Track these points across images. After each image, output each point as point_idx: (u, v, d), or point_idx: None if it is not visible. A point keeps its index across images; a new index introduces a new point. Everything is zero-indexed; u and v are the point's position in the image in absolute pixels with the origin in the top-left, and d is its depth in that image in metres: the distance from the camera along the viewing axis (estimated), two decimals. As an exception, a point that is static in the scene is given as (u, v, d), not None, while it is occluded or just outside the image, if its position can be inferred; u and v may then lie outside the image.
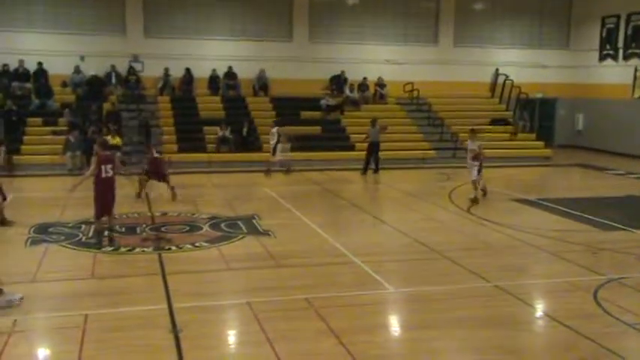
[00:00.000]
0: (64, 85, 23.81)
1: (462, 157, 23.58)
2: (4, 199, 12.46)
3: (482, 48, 28.57)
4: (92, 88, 23.40)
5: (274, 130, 20.21)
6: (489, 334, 7.26)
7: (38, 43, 23.54)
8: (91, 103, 22.58)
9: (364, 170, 20.24)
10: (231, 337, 7.43)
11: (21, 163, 19.76)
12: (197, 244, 10.99)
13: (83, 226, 12.11)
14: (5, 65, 23.02)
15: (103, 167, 10.73)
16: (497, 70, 28.36)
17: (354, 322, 7.49)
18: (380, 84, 26.80)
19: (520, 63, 28.53)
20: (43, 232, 11.67)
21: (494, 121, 26.54)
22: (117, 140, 20.62)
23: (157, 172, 15.30)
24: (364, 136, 20.69)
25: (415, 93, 26.65)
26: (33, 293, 8.49)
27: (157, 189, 15.60)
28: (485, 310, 8.05)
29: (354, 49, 27.06)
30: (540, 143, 26.01)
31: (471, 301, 8.37)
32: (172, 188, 15.05)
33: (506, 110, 27.47)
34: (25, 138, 21.15)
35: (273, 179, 19.17)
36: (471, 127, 16.58)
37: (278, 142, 19.96)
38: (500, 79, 28.03)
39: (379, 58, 27.21)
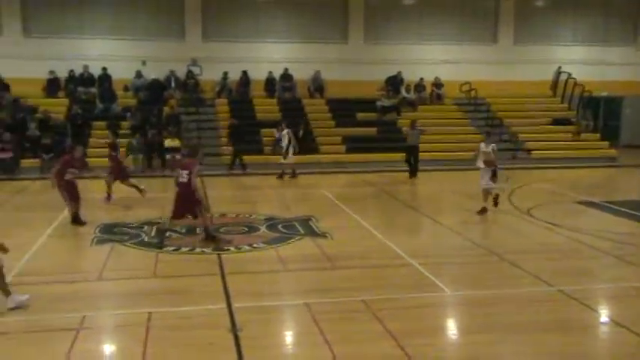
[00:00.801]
0: (126, 89, 24.53)
1: (523, 159, 23.25)
2: (78, 198, 12.88)
3: (544, 46, 27.94)
4: (153, 92, 24.04)
5: (285, 131, 19.79)
6: (552, 340, 7.09)
7: (102, 49, 24.35)
8: (152, 107, 23.19)
9: (411, 173, 19.67)
10: (290, 337, 7.49)
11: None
12: (255, 245, 11.14)
13: (146, 227, 12.44)
14: (71, 71, 23.89)
15: (179, 172, 11.06)
16: (559, 68, 27.65)
17: (411, 325, 7.44)
18: (437, 84, 26.53)
19: (583, 60, 27.74)
20: (108, 232, 12.04)
21: (557, 121, 25.89)
22: (176, 142, 21.14)
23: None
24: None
25: (473, 93, 26.27)
26: (99, 291, 8.81)
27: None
28: (547, 315, 7.86)
29: (411, 49, 26.91)
30: (605, 143, 25.22)
31: (533, 306, 8.19)
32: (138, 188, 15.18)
33: (569, 110, 26.76)
34: (90, 141, 21.86)
35: (329, 180, 19.24)
36: (486, 130, 15.64)
37: (289, 143, 19.55)
38: (563, 78, 27.31)
39: (436, 58, 26.97)
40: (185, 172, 10.94)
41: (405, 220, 14.08)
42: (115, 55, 24.37)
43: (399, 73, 26.45)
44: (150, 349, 6.70)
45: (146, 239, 11.52)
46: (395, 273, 9.66)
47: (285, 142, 19.50)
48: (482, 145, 14.02)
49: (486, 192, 13.75)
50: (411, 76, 26.38)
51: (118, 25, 24.72)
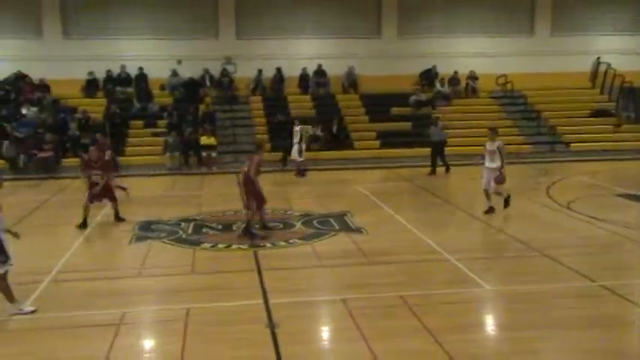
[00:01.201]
0: (163, 88, 24.84)
1: (562, 152, 22.82)
2: (115, 199, 13.09)
3: (582, 36, 27.34)
4: (188, 91, 24.29)
5: (297, 128, 19.63)
6: (594, 336, 6.95)
7: (139, 49, 24.69)
8: (188, 105, 23.45)
9: (432, 171, 19.19)
10: (327, 333, 7.50)
11: (125, 164, 20.76)
12: (291, 241, 11.18)
13: (182, 224, 12.59)
14: (109, 71, 24.31)
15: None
16: (598, 58, 27.04)
17: (449, 321, 7.38)
18: (472, 77, 26.21)
19: (623, 50, 27.04)
20: (146, 229, 12.22)
21: (596, 113, 25.33)
22: (212, 140, 21.33)
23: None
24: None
25: (509, 86, 25.89)
26: (139, 287, 8.95)
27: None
28: (588, 311, 7.71)
29: (445, 42, 26.64)
30: (646, 135, 24.60)
31: (573, 301, 8.05)
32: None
33: (609, 101, 26.16)
34: (128, 140, 22.23)
35: (364, 175, 19.20)
36: (490, 126, 14.37)
37: (301, 140, 19.39)
38: (602, 68, 26.70)
39: (471, 51, 26.63)
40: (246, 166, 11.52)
41: (441, 214, 13.95)
42: (150, 54, 24.70)
43: (434, 66, 26.22)
44: (188, 345, 6.78)
45: (183, 236, 11.66)
46: (431, 268, 9.59)
47: (296, 140, 19.40)
48: (488, 144, 13.00)
49: (488, 192, 13.04)
50: (445, 69, 26.12)
51: (154, 25, 25.04)
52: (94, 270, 9.74)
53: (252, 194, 11.50)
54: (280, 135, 21.65)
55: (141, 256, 10.41)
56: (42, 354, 6.65)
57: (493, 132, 13.25)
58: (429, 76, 26.18)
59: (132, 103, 23.89)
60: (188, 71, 24.80)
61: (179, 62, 24.82)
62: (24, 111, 22.20)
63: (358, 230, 11.90)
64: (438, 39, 26.62)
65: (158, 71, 24.48)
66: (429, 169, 19.18)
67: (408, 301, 7.94)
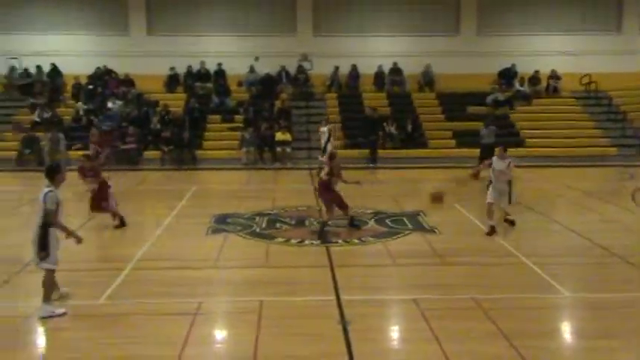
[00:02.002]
0: (240, 84, 25.32)
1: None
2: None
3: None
4: (265, 87, 24.67)
5: (324, 128, 19.40)
6: (680, 350, 6.62)
7: (218, 45, 25.28)
8: (264, 101, 23.81)
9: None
10: (399, 332, 7.47)
11: (203, 158, 21.33)
12: (363, 239, 11.18)
13: (257, 218, 12.81)
14: (189, 67, 24.99)
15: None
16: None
17: (525, 326, 7.19)
18: (553, 76, 25.39)
19: None
20: (222, 222, 12.50)
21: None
22: (287, 136, 21.59)
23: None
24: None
25: (593, 85, 24.91)
26: (214, 278, 9.18)
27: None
28: (675, 323, 7.34)
29: (525, 40, 25.93)
30: None
31: (658, 312, 7.68)
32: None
33: (701, 102, 24.76)
34: (206, 134, 22.80)
35: (438, 175, 18.94)
36: (502, 144, 12.29)
37: (328, 141, 19.17)
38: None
39: (552, 49, 25.79)
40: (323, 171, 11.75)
41: (518, 217, 13.52)
42: (229, 51, 25.24)
43: (513, 65, 25.57)
44: (262, 337, 6.91)
45: (257, 230, 11.86)
46: (507, 271, 9.37)
47: (324, 139, 19.23)
48: (495, 159, 11.54)
49: (491, 207, 11.47)
50: (525, 68, 25.42)
51: (234, 22, 25.56)
52: (172, 260, 10.04)
53: (333, 201, 11.55)
54: (366, 131, 21.64)
55: (217, 248, 10.66)
56: (123, 338, 6.92)
57: (504, 149, 11.68)
58: (508, 75, 25.55)
59: (210, 98, 24.48)
60: (265, 68, 25.19)
61: (256, 59, 25.23)
62: (109, 105, 23.15)
63: (432, 230, 11.77)
64: (518, 36, 25.94)
65: (236, 67, 24.97)
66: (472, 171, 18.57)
67: (483, 304, 7.80)
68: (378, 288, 8.73)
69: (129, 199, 15.41)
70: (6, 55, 24.26)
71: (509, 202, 11.69)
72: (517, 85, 25.27)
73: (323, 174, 11.74)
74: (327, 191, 11.62)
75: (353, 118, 23.67)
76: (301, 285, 8.75)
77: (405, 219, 12.70)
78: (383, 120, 22.61)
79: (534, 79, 25.48)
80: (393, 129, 22.37)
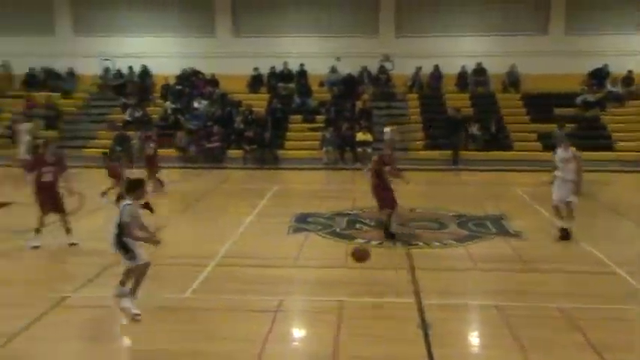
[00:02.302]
0: (321, 84, 25.50)
1: None
2: None
3: None
4: (346, 87, 24.73)
5: (387, 129, 19.26)
6: None
7: (301, 46, 25.55)
8: (345, 101, 23.88)
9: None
10: (480, 339, 7.31)
11: (284, 158, 21.63)
12: (445, 242, 11.01)
13: (337, 218, 12.86)
14: (272, 67, 25.40)
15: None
16: None
17: (618, 338, 6.87)
18: (648, 77, 24.13)
19: None
20: (302, 221, 12.63)
21: None
22: (368, 136, 21.55)
23: None
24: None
25: (692, 86, 23.50)
26: (295, 277, 9.29)
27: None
28: None
29: (618, 39, 24.73)
30: None
31: None
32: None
33: None
34: (288, 134, 23.10)
35: (523, 178, 18.40)
36: (559, 123, 10.83)
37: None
38: None
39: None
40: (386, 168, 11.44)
41: (608, 224, 13.01)
42: (312, 51, 25.46)
43: (605, 65, 24.47)
44: (341, 337, 6.93)
45: (337, 230, 11.90)
46: (597, 281, 8.98)
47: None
48: (560, 151, 11.05)
49: (557, 208, 11.03)
50: (617, 68, 24.27)
51: (316, 23, 25.76)
52: (254, 257, 10.23)
53: (379, 195, 11.32)
54: (449, 132, 21.35)
55: (297, 246, 10.79)
56: (207, 332, 7.12)
57: (560, 128, 10.79)
58: (599, 76, 24.49)
59: (292, 98, 24.79)
60: (346, 68, 25.25)
61: (338, 59, 25.32)
62: (196, 104, 23.87)
63: (516, 235, 11.45)
64: (612, 35, 24.79)
65: (318, 68, 25.16)
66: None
67: (570, 313, 7.51)
68: (459, 292, 8.58)
69: (213, 197, 15.85)
70: (101, 57, 25.44)
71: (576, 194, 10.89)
72: (609, 86, 24.18)
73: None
74: (373, 185, 11.35)
75: (434, 118, 23.36)
76: (381, 286, 8.71)
77: (488, 222, 12.41)
78: (466, 121, 22.20)
79: (627, 79, 24.31)
80: (475, 130, 21.92)
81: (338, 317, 7.46)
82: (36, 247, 10.41)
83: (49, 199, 10.55)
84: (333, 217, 12.92)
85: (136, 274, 7.65)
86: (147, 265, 7.63)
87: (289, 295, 8.35)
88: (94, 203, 13.56)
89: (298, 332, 7.44)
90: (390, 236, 11.15)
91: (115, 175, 14.35)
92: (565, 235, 10.98)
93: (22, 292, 8.38)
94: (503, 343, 6.81)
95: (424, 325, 7.20)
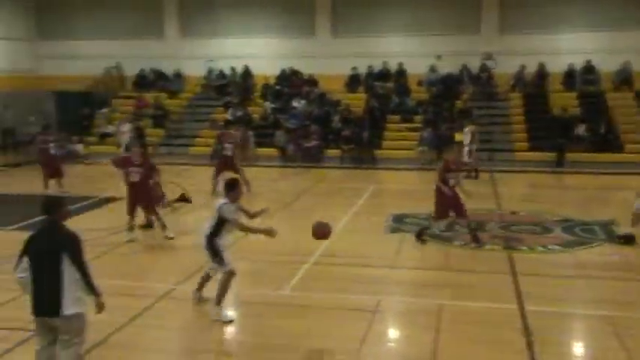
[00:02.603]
0: (420, 83, 25.20)
1: None
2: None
3: None
4: (446, 87, 24.31)
5: (467, 129, 18.34)
6: None
7: (400, 45, 25.36)
8: (444, 101, 23.48)
9: None
10: (587, 349, 6.98)
11: (381, 157, 21.56)
12: (549, 247, 10.59)
13: (435, 219, 12.65)
14: (370, 67, 25.37)
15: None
16: None
17: None
18: None
19: None
20: (399, 222, 12.55)
21: None
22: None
23: None
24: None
25: None
26: (392, 277, 9.25)
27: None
28: None
29: None
30: None
31: None
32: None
33: None
34: (385, 134, 23.02)
35: (636, 182, 17.38)
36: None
37: (471, 142, 18.11)
38: None
39: None
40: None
41: None
42: (410, 51, 25.19)
43: None
44: (441, 340, 6.83)
45: (436, 232, 11.73)
46: None
47: (467, 140, 18.29)
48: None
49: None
50: None
51: (416, 22, 25.46)
52: (351, 256, 10.28)
53: (441, 200, 10.89)
54: (554, 133, 20.56)
55: (394, 247, 10.73)
56: (306, 329, 7.22)
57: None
58: None
59: (390, 98, 24.65)
60: (446, 67, 24.81)
61: (438, 58, 24.92)
62: (294, 104, 24.26)
63: (626, 241, 10.82)
64: None
65: (416, 67, 24.85)
66: None
67: (689, 327, 7.03)
68: (565, 300, 8.23)
69: (310, 196, 16.05)
70: (205, 59, 26.38)
71: None
72: None
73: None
74: (437, 189, 10.92)
75: (538, 118, 22.50)
76: (481, 291, 8.51)
77: (596, 228, 11.82)
78: (572, 121, 21.24)
79: None
80: (583, 131, 20.92)
81: (437, 320, 7.36)
82: (131, 241, 10.90)
83: (136, 198, 11.00)
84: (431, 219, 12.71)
85: (221, 282, 7.43)
86: (233, 274, 7.43)
87: (387, 296, 8.33)
88: (200, 199, 14.13)
89: (396, 333, 7.40)
90: (420, 238, 10.95)
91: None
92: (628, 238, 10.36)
93: (131, 284, 8.83)
94: (613, 356, 6.48)
95: (527, 333, 6.96)
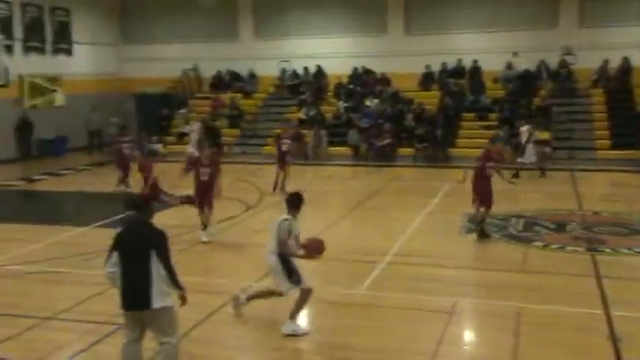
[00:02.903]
0: (496, 80, 24.60)
1: None
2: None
3: None
4: (523, 83, 23.62)
5: (524, 128, 17.98)
6: None
7: (474, 42, 24.82)
8: (521, 98, 22.83)
9: None
10: (680, 358, 6.62)
11: (455, 156, 21.19)
12: (636, 250, 10.12)
13: (513, 219, 12.34)
14: (444, 64, 24.98)
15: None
16: None
17: None
18: None
19: None
20: (475, 222, 12.27)
21: None
22: (545, 135, 20.40)
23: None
24: None
25: None
26: (468, 278, 9.09)
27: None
28: None
29: None
30: None
31: None
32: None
33: None
34: (460, 132, 22.61)
35: None
36: None
37: (528, 141, 17.80)
38: None
39: None
40: (489, 164, 11.06)
41: None
42: (486, 47, 24.61)
43: None
44: (521, 345, 6.65)
45: (514, 232, 11.43)
46: None
47: (523, 139, 17.96)
48: None
49: None
50: None
51: (491, 18, 24.85)
52: (425, 256, 10.16)
53: (478, 191, 10.91)
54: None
55: (470, 247, 10.54)
56: (381, 329, 7.18)
57: None
58: None
59: (465, 95, 24.19)
60: (523, 63, 24.10)
61: (515, 54, 24.25)
62: (367, 103, 24.18)
63: None
64: None
65: (492, 64, 24.24)
66: None
67: None
68: (655, 306, 7.83)
69: (383, 195, 15.96)
70: (278, 59, 26.69)
71: None
72: None
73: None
74: (475, 181, 10.99)
75: (621, 115, 21.52)
76: (563, 294, 8.21)
77: (686, 230, 11.22)
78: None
79: None
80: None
81: (516, 324, 7.16)
82: (205, 242, 10.96)
83: (205, 198, 11.12)
84: (508, 219, 12.40)
85: (300, 299, 7.10)
86: (311, 291, 7.12)
87: (463, 297, 8.17)
88: (273, 197, 14.34)
89: (474, 336, 7.26)
90: (485, 236, 10.83)
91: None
92: None
93: (207, 282, 9.03)
94: None
95: (613, 338, 6.67)
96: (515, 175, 17.27)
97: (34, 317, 7.55)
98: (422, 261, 9.87)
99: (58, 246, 10.93)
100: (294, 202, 7.10)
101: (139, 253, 5.49)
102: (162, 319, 5.57)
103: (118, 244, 5.60)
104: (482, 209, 10.98)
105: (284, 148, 15.81)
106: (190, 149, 18.61)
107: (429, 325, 7.23)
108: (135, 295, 5.50)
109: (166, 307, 5.55)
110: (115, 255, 5.58)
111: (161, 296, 5.49)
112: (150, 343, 5.83)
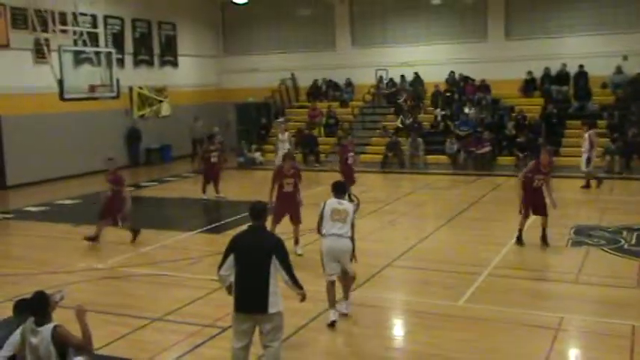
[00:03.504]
0: (604, 86, 23.42)
1: None
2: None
3: None
4: (634, 89, 22.35)
5: (587, 134, 16.59)
6: None
7: (580, 46, 23.77)
8: (632, 104, 21.61)
9: None
10: None
11: (560, 165, 20.30)
12: None
13: (624, 232, 11.67)
14: (547, 69, 24.06)
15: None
16: None
17: None
18: None
19: None
20: (583, 234, 11.71)
21: None
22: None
23: None
24: None
25: None
26: (577, 294, 8.65)
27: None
28: None
29: None
30: None
31: None
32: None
33: None
34: (564, 140, 21.68)
35: None
36: None
37: (592, 148, 16.56)
38: None
39: None
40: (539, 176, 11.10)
41: None
42: (592, 51, 23.50)
43: None
44: (635, 366, 6.25)
45: (626, 246, 10.80)
46: None
47: (585, 146, 16.68)
48: None
49: None
50: None
51: (598, 20, 23.72)
52: (529, 269, 9.78)
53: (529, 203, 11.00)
54: None
55: (578, 261, 10.03)
56: (483, 344, 6.96)
57: None
58: None
59: (569, 102, 23.18)
60: (634, 67, 22.79)
61: (625, 58, 23.00)
62: (466, 110, 23.68)
63: None
64: None
65: (599, 68, 23.08)
66: None
67: None
68: None
69: (483, 204, 15.53)
70: (375, 67, 26.67)
71: None
72: None
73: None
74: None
75: None
76: (683, 313, 7.66)
77: None
78: None
79: None
80: None
81: (631, 343, 6.73)
82: (299, 255, 10.58)
83: (287, 209, 10.69)
84: (620, 232, 11.74)
85: (352, 279, 7.91)
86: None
87: (571, 313, 7.78)
88: (370, 206, 14.31)
89: (583, 355, 6.89)
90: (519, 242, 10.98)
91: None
92: None
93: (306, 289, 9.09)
94: None
95: None
96: (587, 186, 16.89)
97: (144, 318, 7.89)
98: (524, 274, 9.49)
99: (163, 250, 11.39)
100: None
101: (261, 258, 5.68)
102: (275, 323, 5.72)
103: (236, 248, 5.78)
104: (541, 218, 11.08)
105: (349, 161, 14.89)
106: (278, 159, 18.63)
107: (533, 342, 6.93)
108: (253, 298, 5.66)
109: (280, 312, 5.73)
110: (231, 258, 5.76)
111: (276, 301, 5.66)
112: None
